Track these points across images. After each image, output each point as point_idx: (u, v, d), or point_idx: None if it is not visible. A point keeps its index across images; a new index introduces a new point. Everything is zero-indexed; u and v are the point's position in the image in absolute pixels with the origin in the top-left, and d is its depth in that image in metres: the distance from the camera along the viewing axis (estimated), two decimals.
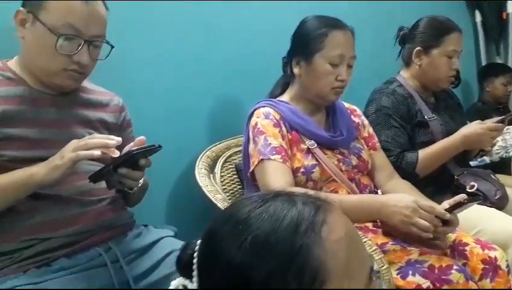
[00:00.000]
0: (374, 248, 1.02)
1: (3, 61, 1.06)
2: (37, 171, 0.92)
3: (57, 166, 0.91)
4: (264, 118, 1.27)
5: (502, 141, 2.07)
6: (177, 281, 0.53)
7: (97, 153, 0.90)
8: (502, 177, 1.69)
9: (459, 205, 1.10)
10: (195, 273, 0.51)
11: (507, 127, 2.13)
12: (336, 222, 0.48)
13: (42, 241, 0.97)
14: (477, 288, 1.06)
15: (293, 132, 1.29)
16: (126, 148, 0.99)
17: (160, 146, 0.95)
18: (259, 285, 0.45)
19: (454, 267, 1.06)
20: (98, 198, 1.05)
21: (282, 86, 1.41)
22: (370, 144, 1.44)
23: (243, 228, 0.48)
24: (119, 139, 0.93)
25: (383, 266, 1.01)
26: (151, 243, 1.10)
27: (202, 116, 1.62)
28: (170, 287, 0.53)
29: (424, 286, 1.04)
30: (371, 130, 1.47)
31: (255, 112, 1.31)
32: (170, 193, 1.53)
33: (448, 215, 1.09)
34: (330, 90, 1.28)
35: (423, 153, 1.52)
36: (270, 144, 1.22)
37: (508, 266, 1.20)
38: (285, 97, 1.37)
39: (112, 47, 1.08)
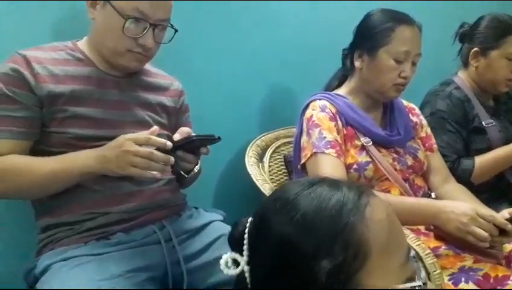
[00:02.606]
0: (427, 252, 1.00)
1: (74, 42, 1.10)
2: (91, 167, 0.95)
3: (112, 171, 0.95)
4: (320, 111, 1.26)
5: None
6: (228, 255, 0.57)
7: (154, 173, 0.93)
8: None
9: None
10: (245, 247, 0.56)
11: None
12: (378, 205, 0.52)
13: (102, 215, 1.01)
14: None
15: (349, 127, 1.27)
16: (184, 133, 1.01)
17: (219, 138, 0.97)
18: (306, 258, 0.49)
19: None
20: (156, 178, 1.08)
21: (340, 78, 1.38)
22: (427, 144, 1.39)
23: (292, 206, 0.52)
24: (170, 144, 0.94)
25: (435, 271, 0.98)
26: (202, 226, 1.13)
27: (255, 105, 1.63)
28: (221, 261, 0.57)
29: None
30: (428, 130, 1.42)
31: (311, 104, 1.29)
32: (219, 178, 1.56)
33: (510, 226, 1.05)
34: (392, 86, 1.25)
35: (480, 160, 1.45)
36: (325, 137, 1.21)
37: None
38: (342, 91, 1.35)
39: (176, 31, 1.10)
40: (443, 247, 1.14)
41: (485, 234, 1.04)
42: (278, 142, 1.56)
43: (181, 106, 1.23)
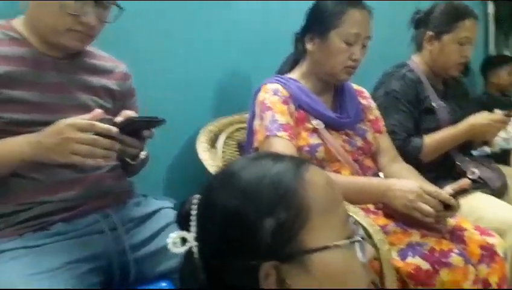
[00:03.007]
0: (376, 229, 1.02)
1: (8, 20, 1.02)
2: (28, 153, 0.88)
3: (51, 159, 0.88)
4: (272, 94, 1.25)
5: (505, 133, 2.06)
6: (176, 234, 0.57)
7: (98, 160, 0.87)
8: (501, 168, 1.69)
9: (463, 191, 1.10)
10: (193, 223, 0.57)
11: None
12: (318, 173, 0.57)
13: (39, 205, 0.95)
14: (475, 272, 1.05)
15: (301, 111, 1.27)
16: (127, 116, 0.96)
17: (163, 120, 0.92)
18: (251, 226, 0.52)
19: (455, 250, 1.06)
20: (98, 165, 1.03)
21: (292, 63, 1.38)
22: (375, 126, 1.42)
23: (236, 179, 0.55)
24: (116, 129, 0.89)
25: (384, 247, 1.01)
26: (150, 213, 1.09)
27: (208, 89, 1.59)
28: (168, 240, 0.57)
29: (424, 268, 1.04)
30: (377, 113, 1.45)
31: (263, 88, 1.28)
32: (170, 165, 1.51)
33: (453, 201, 1.09)
34: (343, 68, 1.26)
35: (429, 139, 1.51)
36: (277, 120, 1.21)
37: (504, 253, 1.21)
38: (294, 75, 1.35)
39: (122, 10, 1.04)
40: (391, 224, 1.16)
41: (430, 209, 1.08)
42: (232, 128, 1.54)
43: (127, 90, 1.17)
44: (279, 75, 1.33)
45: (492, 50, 2.72)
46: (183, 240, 0.57)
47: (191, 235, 0.57)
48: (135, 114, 0.98)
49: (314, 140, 1.24)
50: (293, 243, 0.52)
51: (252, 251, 0.52)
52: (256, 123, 1.25)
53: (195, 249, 0.56)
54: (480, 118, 1.50)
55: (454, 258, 1.04)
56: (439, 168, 1.53)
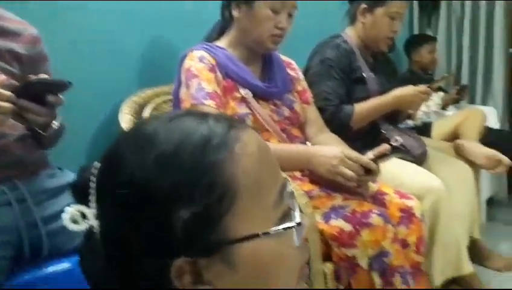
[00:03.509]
0: (300, 192, 1.03)
1: None
2: None
3: None
4: (198, 62, 1.21)
5: (425, 107, 2.19)
6: (73, 208, 0.47)
7: None
8: (422, 139, 1.79)
9: (383, 156, 1.14)
10: (92, 197, 0.46)
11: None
12: (249, 139, 0.45)
13: None
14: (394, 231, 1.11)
15: (228, 79, 1.25)
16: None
17: (69, 83, 0.85)
18: (161, 206, 0.41)
19: (374, 211, 1.10)
20: (1, 133, 0.94)
21: (219, 30, 1.35)
22: (303, 98, 1.44)
23: (147, 144, 0.43)
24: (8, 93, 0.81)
25: (307, 211, 1.02)
26: (65, 185, 1.02)
27: (133, 59, 1.51)
28: (64, 214, 0.46)
29: (346, 230, 1.07)
30: (305, 84, 1.47)
31: (189, 55, 1.24)
32: (93, 137, 1.43)
33: (373, 165, 1.14)
34: (269, 37, 1.25)
35: (359, 107, 1.57)
36: (203, 88, 1.17)
37: (422, 215, 1.28)
38: (221, 42, 1.32)
39: None
40: (316, 189, 1.19)
41: (352, 173, 1.12)
42: (159, 100, 1.48)
43: (37, 54, 1.08)
44: (206, 43, 1.30)
45: (416, 30, 2.86)
46: (84, 216, 0.46)
47: (90, 212, 0.46)
48: (35, 77, 0.90)
49: (242, 109, 1.23)
50: (214, 233, 0.41)
51: (161, 243, 0.41)
52: (182, 92, 1.22)
53: (96, 229, 0.45)
54: (405, 89, 1.58)
55: (374, 219, 1.09)
56: (366, 137, 1.59)
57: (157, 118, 0.46)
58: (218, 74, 1.23)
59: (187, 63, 1.23)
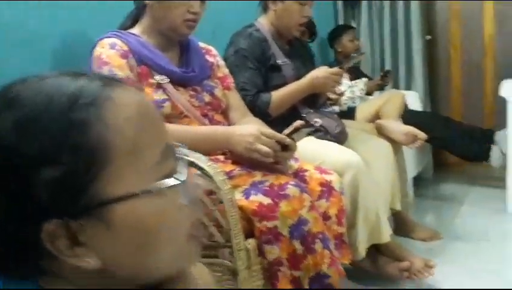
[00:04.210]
0: (217, 170, 1.05)
1: None
2: None
3: None
4: (109, 49, 1.20)
5: (350, 93, 2.30)
6: None
7: None
8: (347, 122, 1.87)
9: (297, 130, 1.19)
10: None
11: (355, 81, 2.37)
12: (124, 98, 0.43)
13: None
14: (311, 200, 1.16)
15: (143, 66, 1.24)
16: None
17: None
18: (26, 169, 0.39)
19: (291, 182, 1.15)
20: None
21: (133, 18, 1.34)
22: (225, 84, 1.46)
23: (12, 102, 0.41)
24: None
25: (225, 187, 1.04)
26: None
27: (45, 48, 1.46)
28: None
29: (265, 203, 1.11)
30: (226, 70, 1.49)
31: (99, 43, 1.23)
32: None
33: (288, 140, 1.18)
34: (182, 22, 1.26)
35: (276, 94, 1.62)
36: (115, 75, 1.16)
37: (341, 188, 1.35)
38: (135, 30, 1.31)
39: None
40: (237, 169, 1.22)
41: (267, 150, 1.16)
42: None
43: None
44: (118, 30, 1.29)
45: (341, 21, 3.00)
46: None
47: None
48: None
49: (159, 96, 1.23)
50: (84, 195, 0.40)
51: (27, 206, 0.39)
52: None
53: None
54: (319, 72, 1.65)
55: (291, 189, 1.13)
56: (287, 122, 1.63)
57: (27, 78, 0.44)
58: (131, 59, 1.22)
59: (97, 50, 1.21)
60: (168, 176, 0.44)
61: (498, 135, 2.37)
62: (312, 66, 1.85)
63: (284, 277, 1.12)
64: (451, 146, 2.45)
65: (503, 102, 2.29)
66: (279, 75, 1.67)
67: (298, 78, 1.69)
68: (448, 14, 2.98)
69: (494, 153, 2.34)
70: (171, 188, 0.43)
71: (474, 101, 2.97)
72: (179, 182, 0.44)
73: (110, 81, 0.45)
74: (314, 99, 1.75)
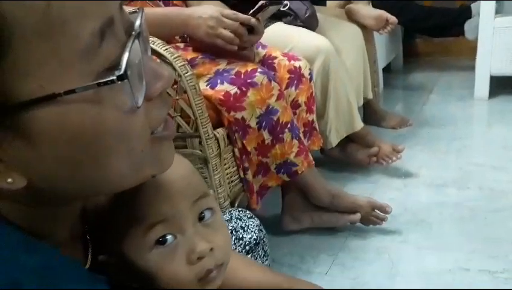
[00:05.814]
0: (175, 56, 0.96)
1: None
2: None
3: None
4: None
5: None
6: None
7: None
8: (317, 8, 1.75)
9: (261, 9, 1.09)
10: None
11: None
12: None
13: None
14: (279, 89, 1.10)
15: None
16: None
17: None
18: None
19: (259, 70, 1.07)
20: None
21: None
22: None
23: None
24: None
25: (186, 73, 0.97)
26: None
27: None
28: None
29: (232, 92, 1.04)
30: None
31: None
32: None
33: (253, 20, 1.08)
34: None
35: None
36: None
37: (310, 74, 1.29)
38: None
39: None
40: (200, 56, 1.13)
41: (231, 35, 1.06)
42: None
43: None
44: None
45: None
46: None
47: None
48: None
49: None
50: None
51: None
52: None
53: None
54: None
55: (259, 78, 1.07)
56: (254, 5, 1.51)
57: None
58: None
59: None
60: (111, 68, 0.31)
61: (475, 7, 2.33)
62: None
63: (252, 162, 1.11)
64: (424, 26, 2.41)
65: None
66: None
67: None
68: None
69: (469, 24, 2.32)
70: (113, 86, 0.31)
71: None
72: (120, 74, 0.31)
73: None
74: None
